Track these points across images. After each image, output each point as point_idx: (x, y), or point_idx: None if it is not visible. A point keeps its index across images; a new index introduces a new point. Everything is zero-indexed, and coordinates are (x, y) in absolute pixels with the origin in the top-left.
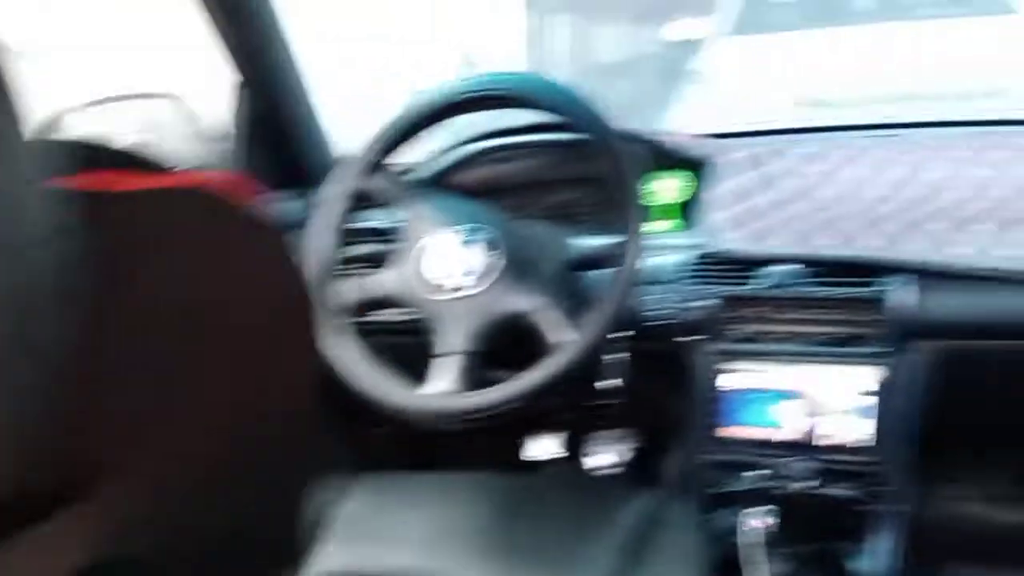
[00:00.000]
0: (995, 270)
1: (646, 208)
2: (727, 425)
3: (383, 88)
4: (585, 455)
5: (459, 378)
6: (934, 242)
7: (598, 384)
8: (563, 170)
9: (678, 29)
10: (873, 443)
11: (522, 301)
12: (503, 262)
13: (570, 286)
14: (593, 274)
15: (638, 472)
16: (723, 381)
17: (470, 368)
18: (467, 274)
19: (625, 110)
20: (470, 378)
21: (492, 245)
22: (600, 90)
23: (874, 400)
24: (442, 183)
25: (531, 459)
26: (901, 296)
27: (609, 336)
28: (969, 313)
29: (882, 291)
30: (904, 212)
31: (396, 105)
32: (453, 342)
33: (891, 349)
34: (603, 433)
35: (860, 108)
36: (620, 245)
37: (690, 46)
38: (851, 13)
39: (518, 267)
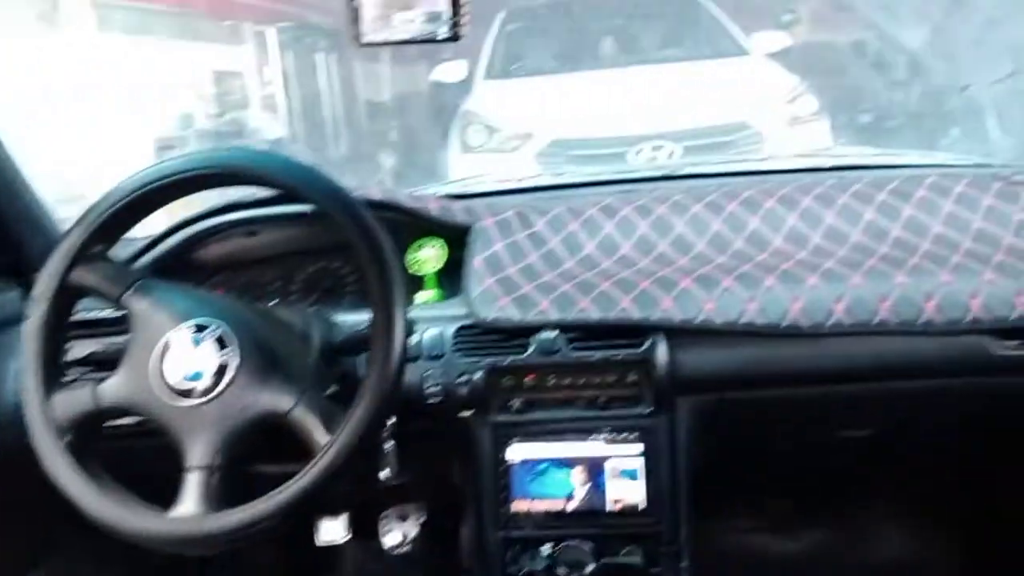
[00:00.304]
0: (735, 325)
1: (404, 279)
2: (518, 499)
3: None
4: (380, 534)
5: (206, 497)
6: (683, 301)
7: (373, 473)
8: (316, 239)
9: (442, 71)
10: (647, 505)
11: (268, 400)
12: (238, 359)
13: (328, 376)
14: (355, 358)
15: (434, 549)
16: (508, 454)
17: (218, 484)
18: (200, 376)
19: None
20: (218, 496)
21: (224, 340)
22: (368, 127)
23: (642, 462)
24: (174, 267)
25: (326, 543)
26: (657, 356)
27: (375, 428)
28: (720, 367)
29: (639, 352)
30: (654, 272)
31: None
32: (197, 455)
33: (652, 409)
34: (394, 510)
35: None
36: (380, 323)
37: (456, 88)
38: (597, 57)
39: (260, 362)
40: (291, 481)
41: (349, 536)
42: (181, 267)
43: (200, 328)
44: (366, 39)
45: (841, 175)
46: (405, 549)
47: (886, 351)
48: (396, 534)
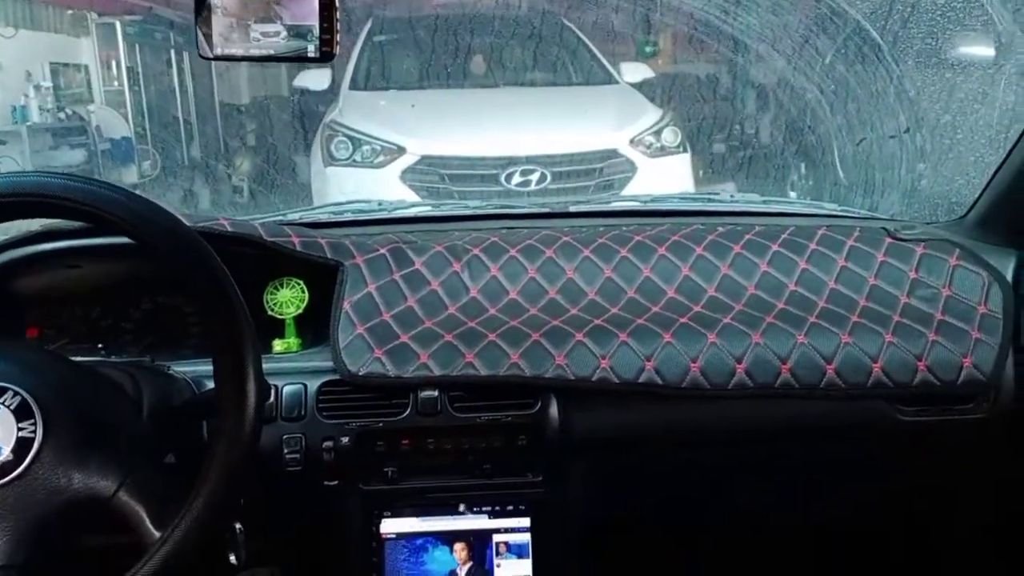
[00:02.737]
0: (634, 384)
1: (253, 327)
2: None
3: None
4: None
5: None
6: (577, 357)
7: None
8: (153, 271)
9: (305, 78)
10: None
11: (84, 482)
12: (42, 431)
13: (164, 444)
14: (191, 424)
15: None
16: (382, 528)
17: None
18: None
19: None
20: None
21: (25, 409)
22: (225, 131)
23: (529, 537)
24: None
25: None
26: (549, 417)
27: (220, 519)
28: (616, 429)
29: (530, 414)
30: (544, 323)
31: None
32: None
33: (543, 477)
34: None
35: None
36: (228, 385)
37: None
38: (467, 76)
39: (73, 434)
40: None
41: None
42: None
43: None
44: (217, 51)
45: (732, 222)
46: None
47: (788, 414)
48: None
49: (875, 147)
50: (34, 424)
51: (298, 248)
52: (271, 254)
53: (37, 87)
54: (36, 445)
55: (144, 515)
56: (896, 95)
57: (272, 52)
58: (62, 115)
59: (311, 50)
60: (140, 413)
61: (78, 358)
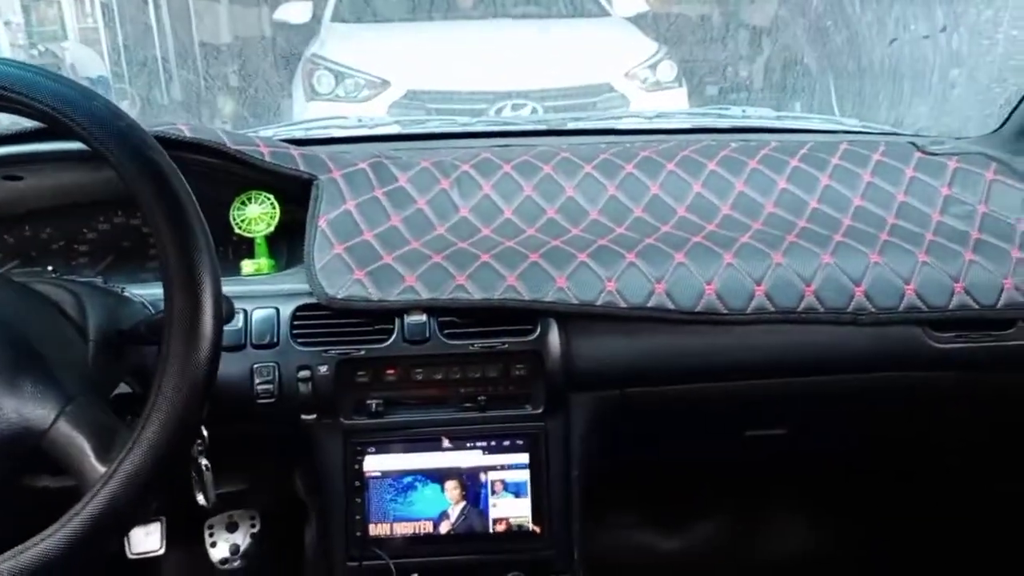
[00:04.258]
0: (643, 309)
1: (219, 244)
2: (376, 520)
3: None
4: (207, 544)
5: None
6: (580, 279)
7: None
8: (109, 186)
9: (286, 11)
10: (536, 525)
11: (16, 413)
12: None
13: (112, 373)
14: (149, 349)
15: (272, 566)
16: (365, 466)
17: None
18: None
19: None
20: None
21: None
22: (204, 70)
23: (528, 475)
24: None
25: (141, 555)
26: (549, 345)
27: (175, 451)
28: (623, 359)
29: (529, 341)
30: (543, 243)
31: None
32: None
33: (542, 409)
34: (220, 518)
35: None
36: (180, 302)
37: (302, 30)
38: (453, 8)
39: (3, 357)
40: (35, 539)
41: (163, 548)
42: None
43: None
44: None
45: (743, 138)
46: (235, 564)
47: (812, 342)
48: (223, 547)
49: (906, 50)
50: None
51: (267, 159)
52: (237, 166)
53: (7, 23)
54: None
55: (88, 448)
56: None
57: None
58: (35, 52)
59: None
60: (84, 335)
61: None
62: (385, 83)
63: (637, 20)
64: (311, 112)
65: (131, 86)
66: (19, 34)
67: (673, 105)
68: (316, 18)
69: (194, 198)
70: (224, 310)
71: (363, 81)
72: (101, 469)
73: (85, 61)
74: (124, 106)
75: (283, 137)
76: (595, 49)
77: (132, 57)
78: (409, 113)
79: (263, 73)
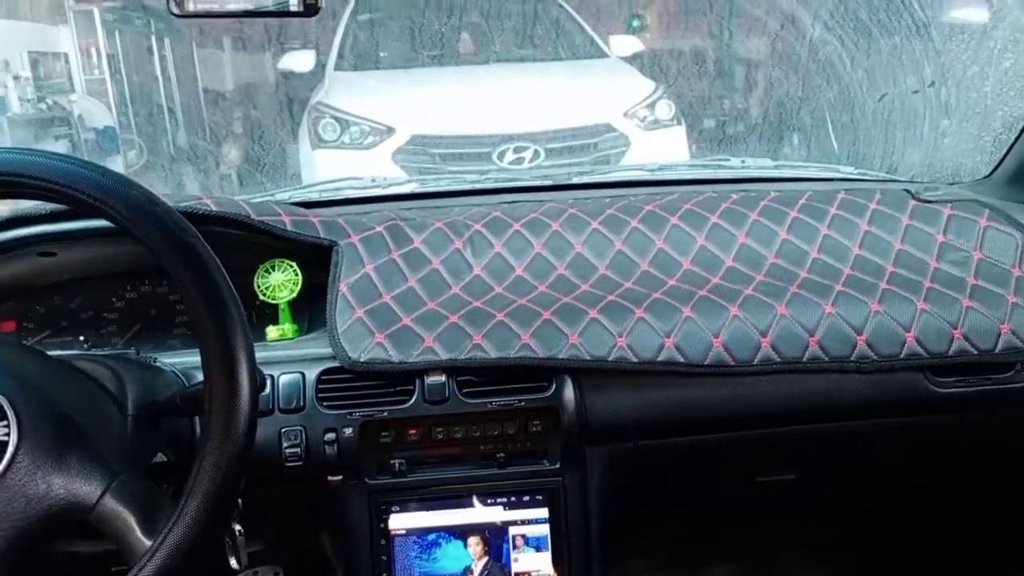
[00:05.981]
0: (655, 364)
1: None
2: None
3: None
4: None
5: None
6: (592, 335)
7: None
8: (133, 257)
9: (290, 61)
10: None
11: (64, 489)
12: (16, 434)
13: (151, 444)
14: (183, 419)
15: None
16: (390, 524)
17: None
18: None
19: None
20: None
21: None
22: (210, 118)
23: (548, 529)
24: None
25: None
26: (564, 401)
27: (215, 525)
28: (636, 412)
29: (545, 397)
30: (555, 300)
31: None
32: None
33: (559, 464)
34: (246, 574)
35: (475, 148)
36: (217, 375)
37: (306, 79)
38: (454, 54)
39: (51, 436)
40: None
41: None
42: None
43: None
44: (190, 7)
45: (744, 188)
46: None
47: (817, 390)
48: None
49: (896, 103)
50: (7, 426)
51: (289, 227)
52: (260, 235)
53: (16, 77)
54: (11, 449)
55: (133, 522)
56: (922, 47)
57: (251, 7)
58: (43, 105)
59: (294, 3)
60: (124, 410)
61: (57, 352)
62: (390, 130)
63: (633, 60)
64: (318, 160)
65: (138, 135)
66: (28, 88)
67: (673, 141)
68: (320, 65)
69: (228, 278)
70: (259, 383)
71: (368, 128)
72: (147, 543)
73: (92, 112)
74: (131, 155)
75: (299, 200)
76: (594, 90)
77: (138, 107)
78: (414, 158)
79: (269, 124)
